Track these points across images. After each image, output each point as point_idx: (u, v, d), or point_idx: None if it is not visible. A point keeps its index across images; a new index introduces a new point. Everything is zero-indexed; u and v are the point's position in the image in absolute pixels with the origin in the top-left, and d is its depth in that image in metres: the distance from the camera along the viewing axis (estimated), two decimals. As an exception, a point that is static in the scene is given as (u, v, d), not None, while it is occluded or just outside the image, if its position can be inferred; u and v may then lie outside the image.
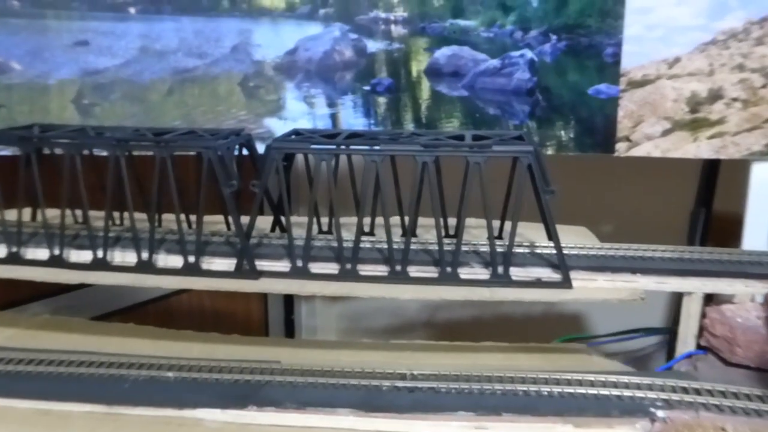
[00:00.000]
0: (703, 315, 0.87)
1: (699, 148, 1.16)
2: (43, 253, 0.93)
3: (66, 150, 0.89)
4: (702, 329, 0.87)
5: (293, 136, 0.91)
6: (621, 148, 1.18)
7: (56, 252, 0.92)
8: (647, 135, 1.18)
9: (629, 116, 1.17)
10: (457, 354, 0.93)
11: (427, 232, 0.98)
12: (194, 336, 0.97)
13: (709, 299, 0.89)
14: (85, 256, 0.92)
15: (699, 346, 0.88)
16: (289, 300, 1.98)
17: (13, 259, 0.93)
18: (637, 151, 1.18)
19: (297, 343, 0.97)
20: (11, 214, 0.94)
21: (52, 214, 0.93)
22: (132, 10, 1.16)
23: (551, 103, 1.20)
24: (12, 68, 1.15)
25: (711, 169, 1.41)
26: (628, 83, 1.16)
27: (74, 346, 0.89)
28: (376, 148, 0.85)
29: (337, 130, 0.94)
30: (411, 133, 0.93)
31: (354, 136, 0.91)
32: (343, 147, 0.86)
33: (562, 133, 1.21)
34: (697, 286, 0.86)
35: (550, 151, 1.20)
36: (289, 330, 1.96)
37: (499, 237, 0.95)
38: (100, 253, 0.91)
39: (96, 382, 0.78)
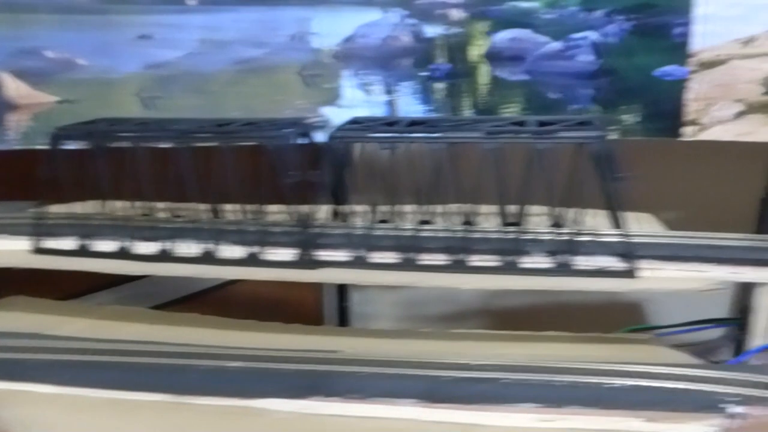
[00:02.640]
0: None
1: (775, 131, 1.11)
2: (110, 245, 0.96)
3: (133, 143, 0.91)
4: (781, 321, 0.83)
5: (353, 125, 0.91)
6: (689, 131, 1.14)
7: (123, 244, 0.94)
8: (718, 118, 1.13)
9: (699, 99, 1.13)
10: (518, 344, 0.92)
11: (486, 220, 0.96)
12: (255, 325, 0.98)
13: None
14: (150, 247, 0.94)
15: (778, 339, 0.84)
16: (342, 287, 2.00)
17: (83, 251, 0.96)
18: (707, 135, 1.14)
19: (355, 332, 0.97)
20: (78, 207, 0.97)
21: (117, 206, 0.95)
22: (192, 2, 1.17)
23: (616, 86, 1.17)
24: (78, 64, 1.18)
25: (785, 153, 1.34)
26: (699, 64, 1.11)
27: (141, 336, 0.91)
28: (438, 135, 0.84)
29: (397, 118, 0.94)
30: (473, 120, 0.92)
31: (415, 123, 0.90)
32: (404, 135, 0.85)
33: (627, 117, 1.17)
34: (773, 276, 0.82)
35: (614, 136, 1.16)
36: (343, 317, 1.97)
37: (562, 225, 0.93)
38: (164, 245, 0.93)
39: (164, 372, 0.80)
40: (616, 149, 0.84)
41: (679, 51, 1.11)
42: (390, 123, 0.90)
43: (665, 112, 1.15)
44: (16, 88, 1.16)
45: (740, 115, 1.12)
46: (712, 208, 1.33)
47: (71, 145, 0.95)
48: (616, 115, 1.17)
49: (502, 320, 1.44)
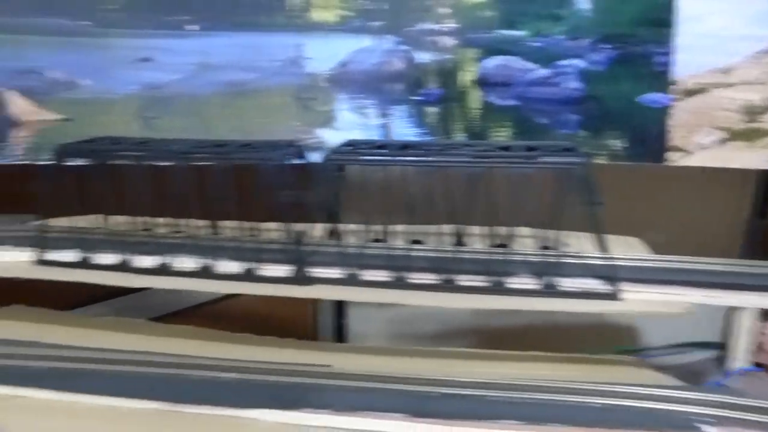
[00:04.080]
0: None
1: (754, 157, 1.15)
2: (111, 258, 0.99)
3: (134, 161, 0.94)
4: (759, 345, 0.86)
5: (348, 147, 0.94)
6: (673, 157, 1.18)
7: (123, 257, 0.97)
8: (701, 144, 1.17)
9: (682, 125, 1.17)
10: (506, 363, 0.94)
11: (476, 241, 0.99)
12: (250, 339, 1.01)
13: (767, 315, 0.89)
14: (149, 261, 0.97)
15: (756, 363, 0.87)
16: (339, 304, 2.02)
17: (84, 263, 0.98)
18: (691, 161, 1.17)
19: (347, 348, 1.00)
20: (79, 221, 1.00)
21: (118, 221, 0.98)
22: (191, 28, 1.21)
23: (601, 112, 1.21)
24: (79, 84, 1.21)
25: (767, 179, 1.39)
26: (681, 92, 1.15)
27: (137, 346, 0.94)
28: (427, 159, 0.87)
29: (390, 141, 0.97)
30: (461, 144, 0.95)
31: (406, 146, 0.94)
32: (397, 158, 0.88)
33: (613, 142, 1.21)
34: (748, 301, 0.86)
35: (600, 160, 1.20)
36: (339, 334, 1.99)
37: (548, 247, 0.96)
38: (163, 259, 0.96)
39: (158, 381, 0.82)
40: (599, 173, 0.88)
41: (661, 79, 1.15)
42: (383, 146, 0.93)
43: (650, 137, 1.19)
44: (21, 106, 1.19)
45: (722, 142, 1.16)
46: (699, 232, 1.37)
47: (74, 162, 0.98)
48: (602, 141, 1.21)
49: (495, 339, 1.46)
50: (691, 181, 1.40)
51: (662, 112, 1.17)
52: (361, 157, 0.89)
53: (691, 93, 1.16)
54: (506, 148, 0.92)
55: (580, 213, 0.90)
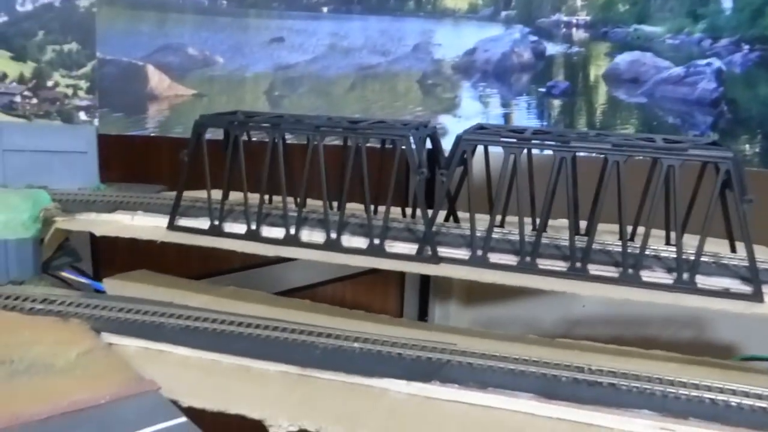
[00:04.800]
0: None
1: None
2: (238, 227, 1.02)
3: (269, 133, 0.97)
4: None
5: (480, 130, 0.94)
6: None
7: (251, 227, 1.00)
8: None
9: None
10: (626, 358, 0.92)
11: (602, 234, 0.97)
12: (365, 316, 1.02)
13: None
14: (277, 232, 1.00)
15: None
16: (424, 300, 2.02)
17: (213, 230, 1.02)
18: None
19: (463, 331, 0.99)
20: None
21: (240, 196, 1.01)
22: (325, 10, 1.24)
23: (737, 116, 1.16)
24: (216, 61, 1.26)
25: None
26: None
27: (259, 314, 0.96)
28: (569, 144, 0.86)
29: (523, 127, 0.96)
30: (597, 133, 0.93)
31: (538, 132, 0.93)
32: (534, 141, 0.88)
33: (747, 146, 1.17)
34: None
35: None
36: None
37: (672, 244, 0.93)
38: (292, 230, 0.98)
39: (290, 347, 0.84)
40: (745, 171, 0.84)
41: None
42: (515, 131, 0.93)
43: (787, 143, 1.14)
44: (159, 81, 1.25)
45: None
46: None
47: (210, 134, 1.02)
48: (736, 144, 1.17)
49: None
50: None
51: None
52: (501, 139, 0.88)
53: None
54: (647, 140, 0.90)
55: (717, 216, 0.86)
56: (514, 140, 0.89)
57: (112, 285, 1.09)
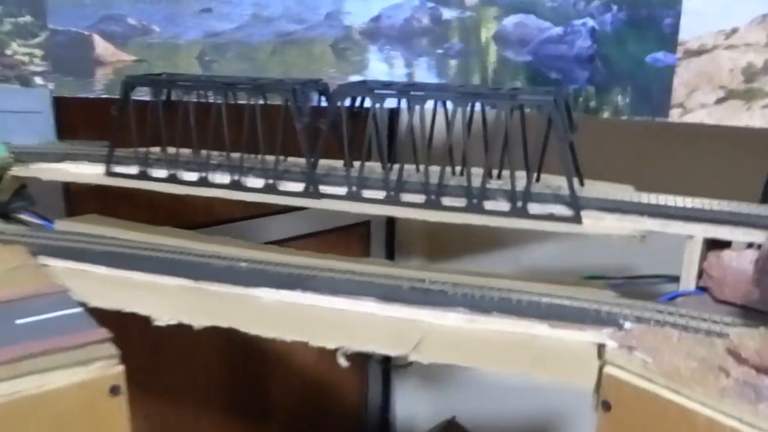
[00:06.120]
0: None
1: (752, 117, 1.22)
2: (162, 173, 1.19)
3: (185, 93, 1.14)
4: (702, 271, 0.96)
5: (359, 83, 1.10)
6: (675, 114, 1.27)
7: (171, 172, 1.17)
8: (701, 103, 1.25)
9: (685, 84, 1.25)
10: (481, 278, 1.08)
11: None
12: (275, 249, 1.19)
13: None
14: (193, 177, 1.17)
15: (698, 287, 0.97)
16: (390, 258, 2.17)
17: (142, 176, 1.19)
18: (691, 118, 1.26)
19: (347, 260, 1.16)
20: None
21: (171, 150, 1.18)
22: (247, -18, 1.39)
23: (610, 70, 1.31)
24: (153, 30, 1.42)
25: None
26: (685, 52, 1.24)
27: (181, 245, 1.14)
28: (419, 93, 1.02)
29: (396, 82, 1.12)
30: (457, 86, 1.09)
31: (409, 85, 1.09)
32: (384, 91, 1.04)
33: (619, 98, 1.31)
34: (697, 231, 0.96)
35: (606, 115, 1.31)
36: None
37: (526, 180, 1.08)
38: (203, 174, 1.15)
39: (190, 266, 1.02)
40: (564, 113, 1.00)
41: (668, 39, 1.24)
42: (388, 85, 1.09)
43: (655, 95, 1.28)
44: (105, 48, 1.42)
45: (721, 100, 1.24)
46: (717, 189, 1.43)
47: (138, 94, 1.19)
48: (610, 96, 1.31)
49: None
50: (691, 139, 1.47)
51: (667, 70, 1.26)
52: (364, 90, 1.05)
53: (695, 53, 1.24)
54: (496, 90, 1.05)
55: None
56: (380, 92, 1.05)
57: (63, 225, 1.27)
